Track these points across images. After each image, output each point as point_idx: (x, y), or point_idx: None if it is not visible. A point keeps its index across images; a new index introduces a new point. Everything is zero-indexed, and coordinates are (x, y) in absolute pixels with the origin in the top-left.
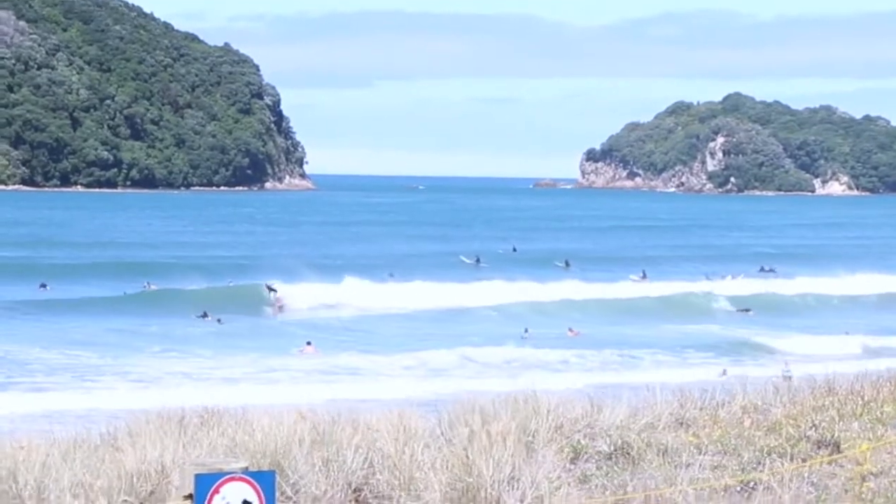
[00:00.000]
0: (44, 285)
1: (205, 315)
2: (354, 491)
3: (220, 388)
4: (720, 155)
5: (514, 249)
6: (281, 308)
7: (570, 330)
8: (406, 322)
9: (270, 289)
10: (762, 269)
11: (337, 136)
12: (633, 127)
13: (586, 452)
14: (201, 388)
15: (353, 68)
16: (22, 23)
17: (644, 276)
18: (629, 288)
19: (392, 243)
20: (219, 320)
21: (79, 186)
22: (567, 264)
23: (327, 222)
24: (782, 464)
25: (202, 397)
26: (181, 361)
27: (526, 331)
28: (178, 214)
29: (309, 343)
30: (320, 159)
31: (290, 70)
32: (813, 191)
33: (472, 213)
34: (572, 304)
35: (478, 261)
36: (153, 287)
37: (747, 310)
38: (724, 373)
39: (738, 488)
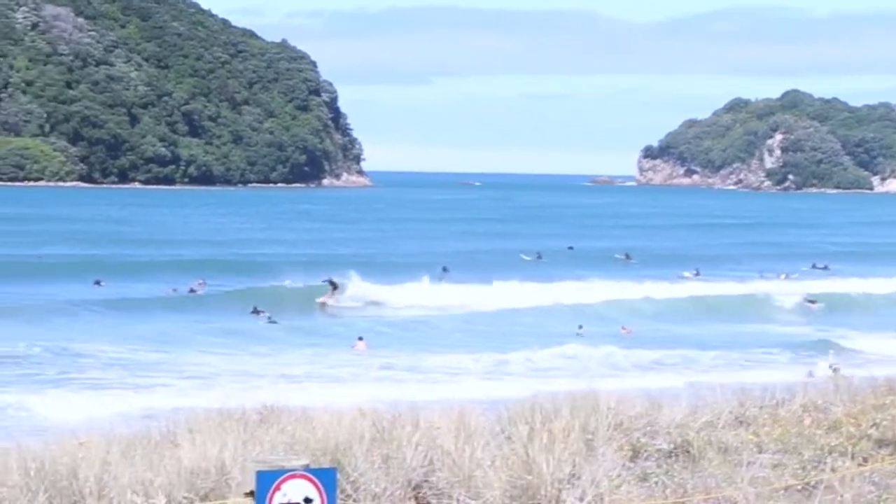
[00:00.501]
0: (99, 282)
1: (256, 311)
2: (414, 488)
3: (278, 384)
4: (778, 152)
5: (570, 248)
6: (335, 304)
7: (624, 328)
8: (463, 320)
9: (332, 283)
10: (814, 267)
11: (393, 133)
12: (690, 124)
13: (646, 451)
14: (258, 384)
15: (410, 65)
16: (80, 19)
17: (697, 274)
18: (683, 286)
19: (452, 241)
20: (269, 318)
21: (136, 183)
22: (628, 257)
23: (386, 219)
24: (843, 463)
25: (260, 394)
26: (237, 358)
27: (580, 328)
28: (237, 211)
29: (361, 339)
30: (377, 156)
31: (347, 66)
32: (871, 188)
33: (531, 210)
34: (624, 303)
35: (539, 257)
36: (202, 284)
37: (814, 301)
38: (811, 374)
39: (799, 487)
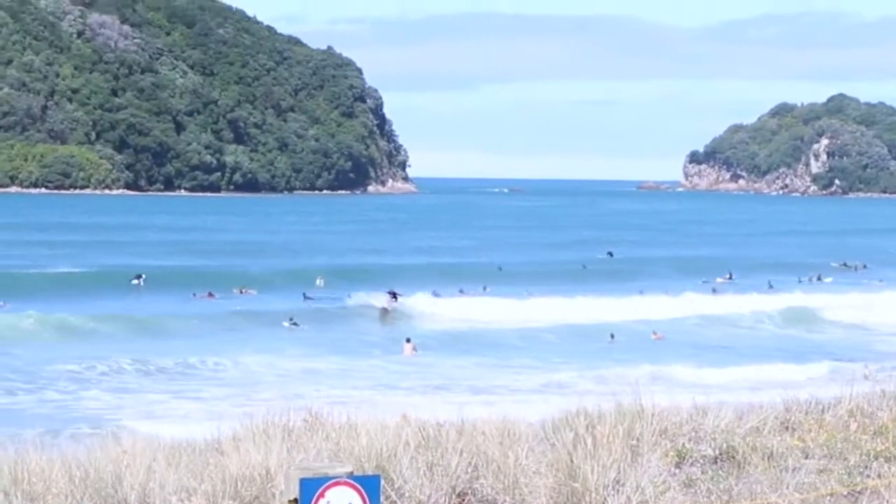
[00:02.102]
0: (200, 295)
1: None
2: (459, 495)
3: (325, 391)
4: (824, 157)
5: (611, 254)
6: (390, 313)
7: (655, 333)
8: (522, 333)
9: (393, 294)
10: (844, 265)
11: (438, 139)
12: (735, 129)
13: (691, 456)
14: (305, 390)
15: (455, 71)
16: (126, 27)
17: (730, 278)
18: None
19: (529, 251)
20: (293, 322)
21: (182, 190)
22: (731, 277)
23: (491, 226)
24: (889, 468)
25: (306, 400)
26: (285, 362)
27: (612, 336)
28: (331, 218)
29: (408, 340)
30: (420, 162)
31: (391, 73)
32: None
33: (618, 217)
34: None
35: (609, 254)
36: (251, 292)
37: (845, 264)
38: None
39: (845, 493)
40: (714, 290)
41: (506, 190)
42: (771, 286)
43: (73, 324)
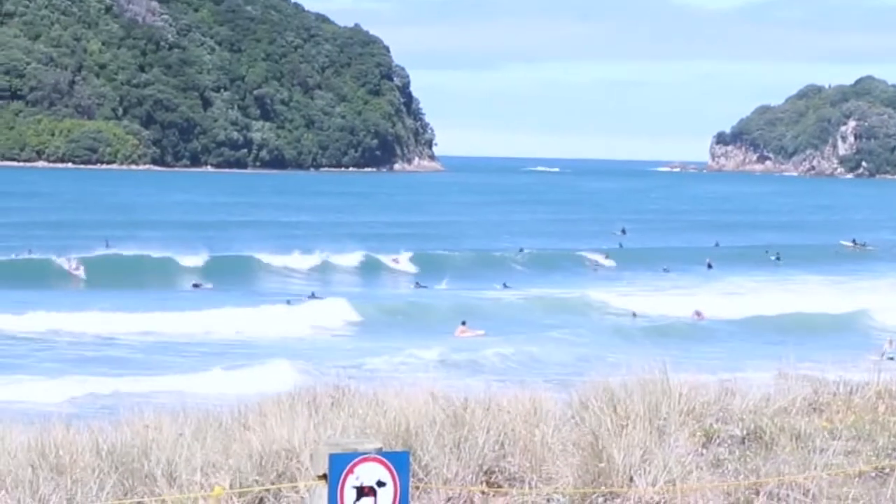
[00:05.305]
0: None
1: (313, 295)
2: (486, 473)
3: (359, 369)
4: (852, 139)
5: (623, 231)
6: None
7: (697, 314)
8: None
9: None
10: (854, 242)
11: (463, 118)
12: (763, 110)
13: (718, 437)
14: (350, 369)
15: (482, 50)
16: (154, 3)
17: (778, 259)
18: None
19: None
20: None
21: (208, 166)
22: (778, 258)
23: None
24: None
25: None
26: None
27: (634, 315)
28: (428, 199)
29: (464, 323)
30: (446, 140)
31: (416, 51)
32: None
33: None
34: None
35: (623, 231)
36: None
37: (855, 243)
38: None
39: (873, 474)
40: None
41: (556, 169)
42: None
43: None
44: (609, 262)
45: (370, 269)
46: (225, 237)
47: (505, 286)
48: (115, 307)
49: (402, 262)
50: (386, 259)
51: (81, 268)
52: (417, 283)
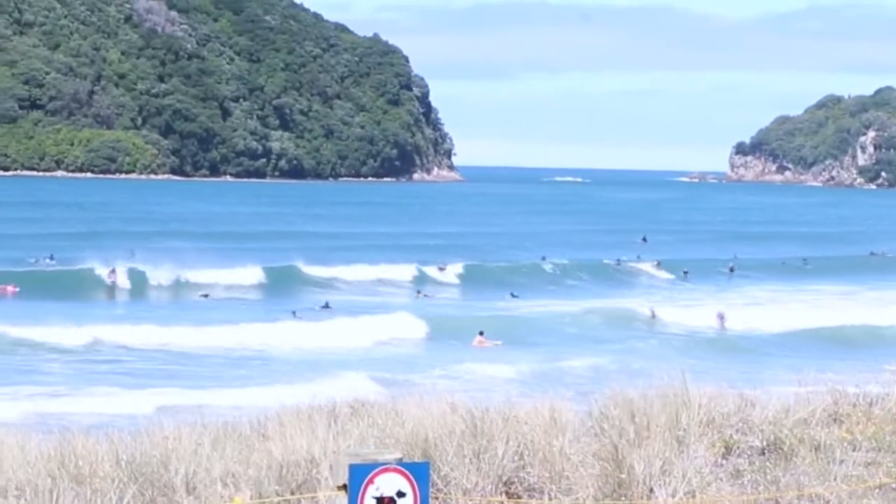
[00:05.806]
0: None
1: (327, 306)
2: (505, 484)
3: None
4: (871, 149)
5: (644, 240)
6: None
7: (720, 317)
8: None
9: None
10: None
11: (482, 128)
12: (782, 120)
13: (738, 447)
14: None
15: (500, 60)
16: (173, 12)
17: (806, 262)
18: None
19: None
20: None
21: (228, 176)
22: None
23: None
24: None
25: (363, 390)
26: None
27: (653, 314)
28: (480, 209)
29: (481, 333)
30: (465, 150)
31: (435, 61)
32: None
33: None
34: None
35: (644, 240)
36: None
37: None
38: None
39: (894, 486)
40: None
41: (579, 179)
42: None
43: None
44: (663, 274)
45: (422, 281)
46: (262, 248)
47: (512, 295)
48: (163, 320)
49: (448, 272)
50: (430, 270)
51: (120, 276)
52: (511, 294)
